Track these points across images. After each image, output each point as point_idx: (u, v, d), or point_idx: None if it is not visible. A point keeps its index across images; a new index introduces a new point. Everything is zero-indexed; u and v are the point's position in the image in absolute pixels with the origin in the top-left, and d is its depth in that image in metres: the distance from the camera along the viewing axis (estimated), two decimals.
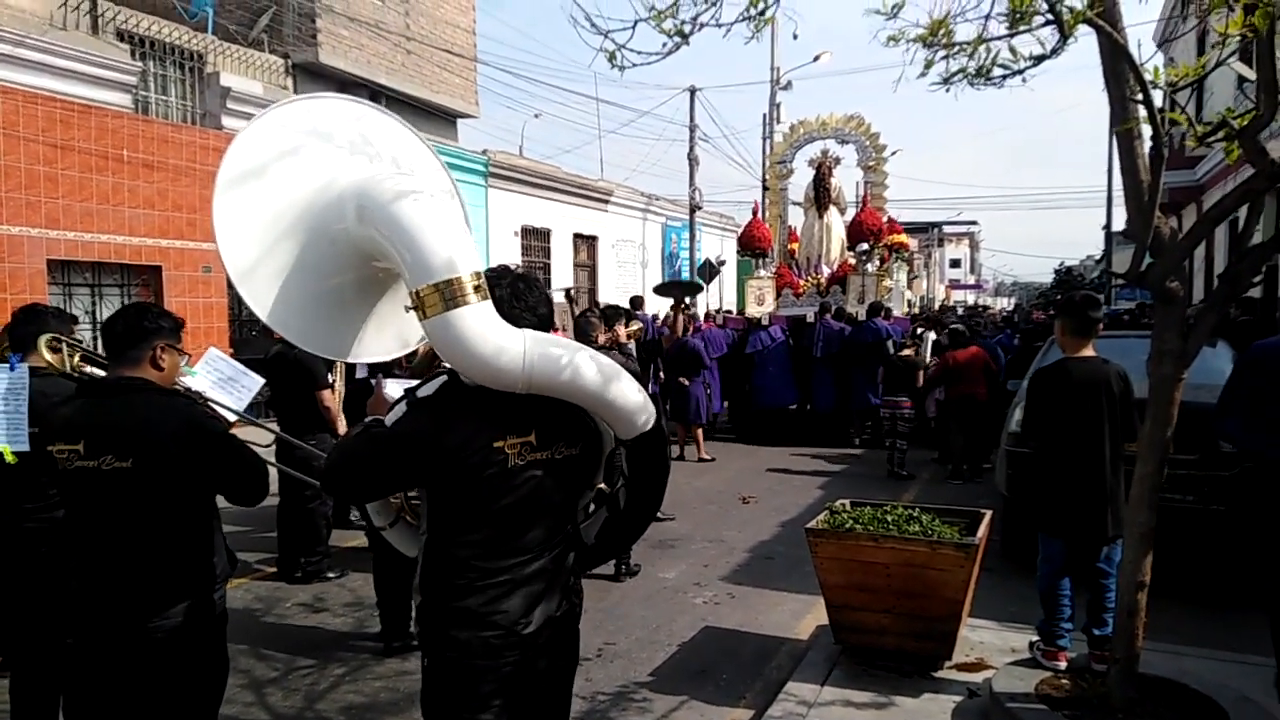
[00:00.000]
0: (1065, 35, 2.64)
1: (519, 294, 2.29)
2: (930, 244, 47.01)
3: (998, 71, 2.98)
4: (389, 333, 2.93)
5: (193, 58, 12.82)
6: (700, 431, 10.85)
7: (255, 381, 3.16)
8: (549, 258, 20.54)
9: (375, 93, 15.93)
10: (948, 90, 3.45)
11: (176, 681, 2.56)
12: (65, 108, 10.54)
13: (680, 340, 10.85)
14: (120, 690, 2.57)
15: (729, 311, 17.81)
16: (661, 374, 10.93)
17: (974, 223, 60.62)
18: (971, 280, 62.24)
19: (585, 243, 22.61)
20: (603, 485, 2.47)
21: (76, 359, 3.01)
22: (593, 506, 2.51)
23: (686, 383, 10.54)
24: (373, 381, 5.23)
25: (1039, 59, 2.77)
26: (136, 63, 11.72)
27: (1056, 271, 45.54)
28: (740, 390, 12.71)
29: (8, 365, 3.18)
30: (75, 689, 3.15)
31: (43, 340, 3.05)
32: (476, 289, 2.16)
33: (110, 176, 11.03)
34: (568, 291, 8.66)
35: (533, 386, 2.16)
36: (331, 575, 6.07)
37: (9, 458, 3.08)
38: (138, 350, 2.61)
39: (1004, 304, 53.49)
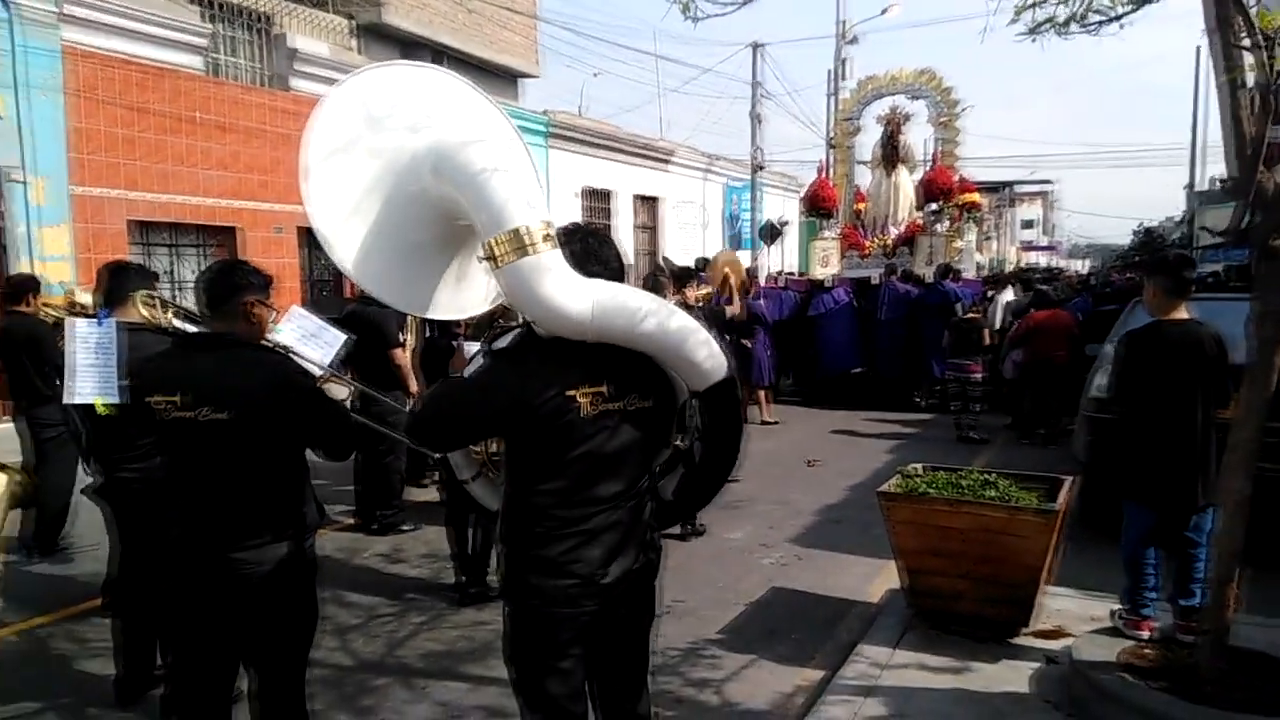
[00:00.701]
0: None
1: (590, 249, 2.31)
2: (1002, 204, 45.69)
3: (1094, 18, 2.83)
4: (470, 290, 2.96)
5: (261, 19, 12.99)
6: (764, 394, 10.78)
7: (338, 337, 3.22)
8: (610, 219, 20.49)
9: (437, 52, 15.98)
10: (1033, 40, 3.31)
11: (271, 625, 2.66)
12: (141, 71, 10.80)
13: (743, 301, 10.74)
14: (217, 633, 2.67)
15: (792, 273, 17.56)
16: (726, 336, 10.83)
17: (1049, 182, 58.54)
18: (1045, 242, 60.30)
19: (646, 204, 22.49)
20: (679, 442, 2.46)
21: (170, 314, 3.10)
22: (670, 463, 2.50)
23: (749, 344, 10.45)
24: (454, 343, 5.30)
25: (1141, 2, 2.62)
26: (207, 25, 11.91)
27: (1135, 232, 43.86)
28: (803, 353, 12.57)
29: (96, 320, 3.29)
30: (173, 632, 3.30)
31: (139, 295, 3.14)
32: (546, 238, 2.21)
33: (185, 138, 11.31)
34: (664, 260, 8.58)
35: (602, 335, 2.18)
36: (407, 528, 6.23)
37: (101, 410, 3.19)
38: (229, 305, 2.67)
39: (1079, 266, 51.79)
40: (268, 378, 2.60)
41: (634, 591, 2.31)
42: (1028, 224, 59.86)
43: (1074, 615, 4.37)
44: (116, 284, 3.59)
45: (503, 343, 2.37)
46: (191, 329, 3.31)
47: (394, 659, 4.25)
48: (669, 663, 4.15)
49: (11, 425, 6.05)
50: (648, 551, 2.34)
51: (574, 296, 2.16)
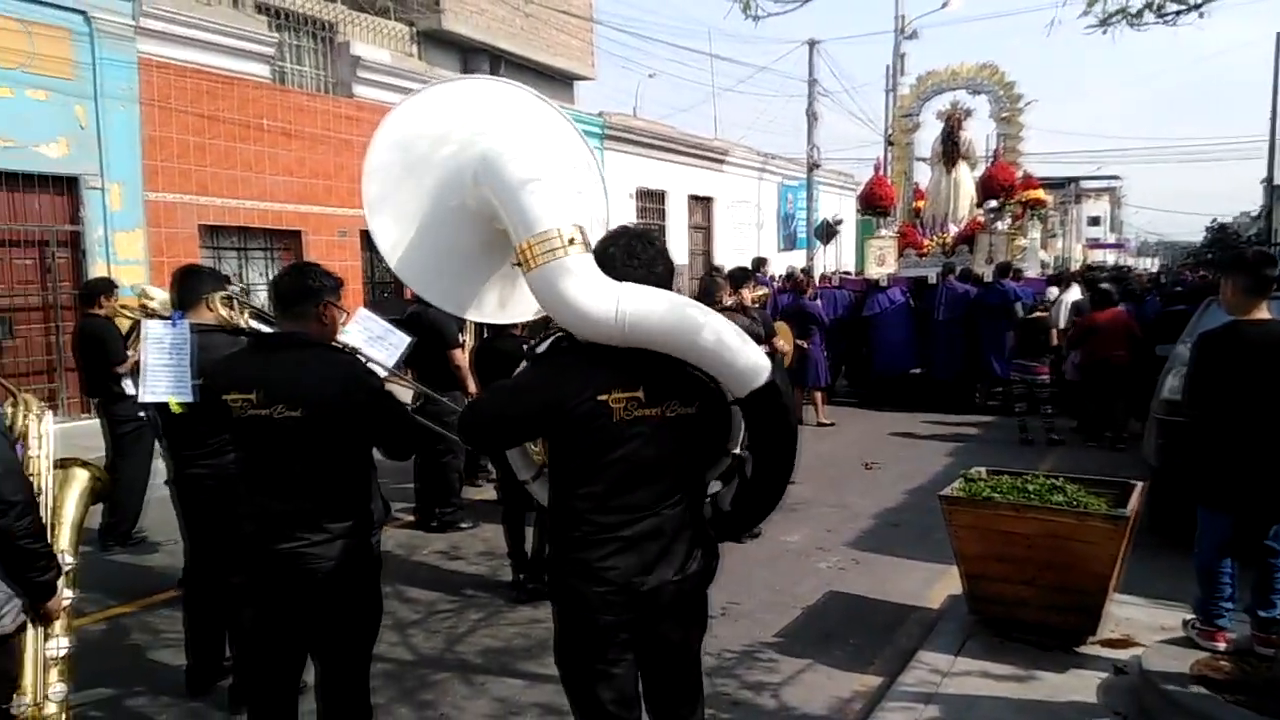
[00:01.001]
0: None
1: (633, 251, 2.29)
2: (1067, 200, 44.49)
3: (1171, 7, 2.74)
4: (520, 296, 3.00)
5: (325, 27, 13.30)
6: (820, 395, 10.66)
7: (403, 339, 3.30)
8: (664, 220, 20.50)
9: (495, 57, 16.17)
10: (1104, 33, 3.21)
11: (337, 618, 2.71)
12: (211, 80, 11.15)
13: (799, 301, 10.64)
14: (286, 626, 2.74)
15: (847, 272, 17.33)
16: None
17: (1116, 177, 56.85)
18: (1112, 239, 58.52)
19: (700, 204, 22.44)
20: (737, 451, 2.40)
21: (246, 314, 3.20)
22: (729, 473, 2.45)
23: (805, 345, 10.34)
24: (501, 344, 5.38)
25: None
26: (274, 34, 12.24)
27: (1208, 229, 42.34)
28: (858, 354, 12.38)
29: (170, 322, 3.40)
30: (244, 624, 3.39)
31: (218, 297, 3.25)
32: (572, 241, 2.23)
33: (253, 145, 11.64)
34: (716, 270, 8.50)
35: (629, 339, 2.16)
36: (465, 525, 6.32)
37: (175, 408, 3.30)
38: (303, 307, 2.75)
39: (1147, 264, 50.13)
40: (339, 378, 2.67)
41: (680, 601, 2.26)
42: (1094, 221, 58.18)
43: (1143, 624, 4.24)
44: (190, 287, 3.70)
45: (542, 346, 2.40)
46: (266, 329, 3.41)
47: (453, 654, 4.31)
48: (724, 665, 4.14)
49: (90, 420, 6.29)
50: (697, 561, 2.29)
51: (600, 300, 2.16)
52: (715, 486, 2.46)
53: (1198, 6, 2.80)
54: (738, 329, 2.25)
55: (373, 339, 3.24)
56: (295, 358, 2.69)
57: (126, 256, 10.24)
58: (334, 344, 2.87)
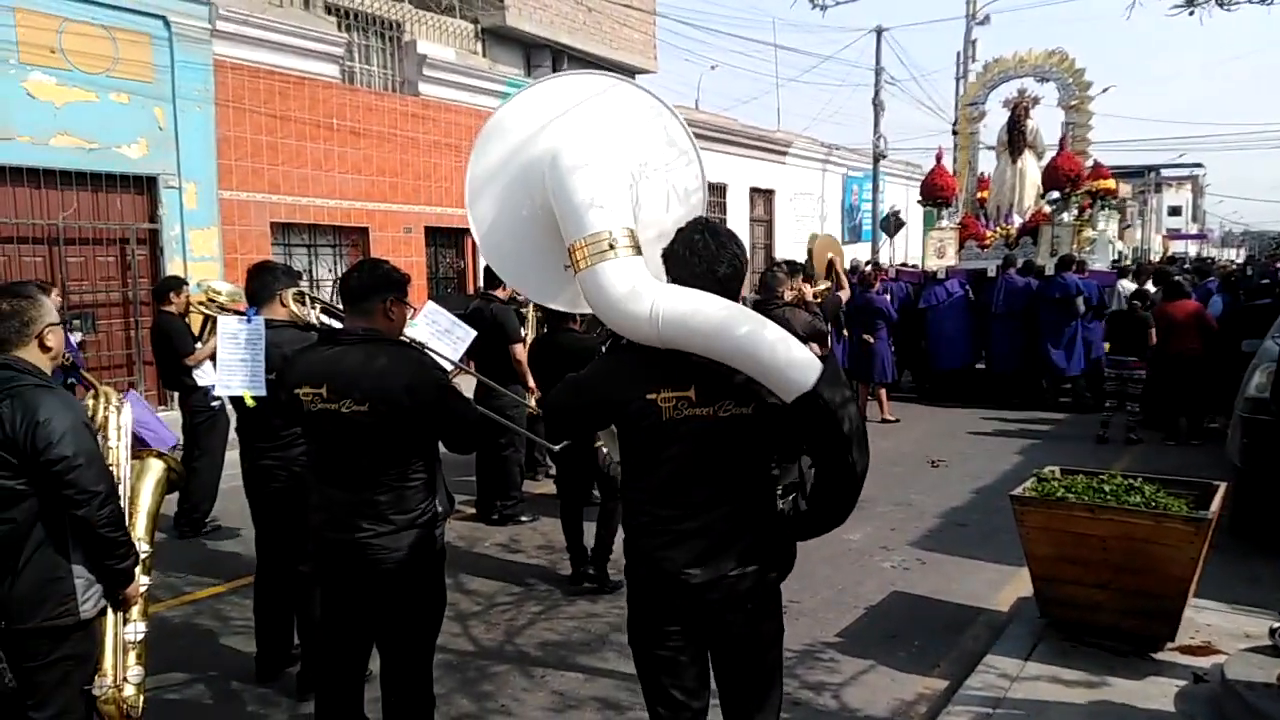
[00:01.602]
0: None
1: (694, 249, 2.27)
2: (1146, 190, 42.82)
3: None
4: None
5: (392, 26, 13.51)
6: (884, 391, 10.47)
7: (469, 333, 3.33)
8: (725, 213, 20.37)
9: (558, 53, 16.25)
10: (1191, 13, 3.07)
11: (401, 609, 2.76)
12: (282, 80, 11.43)
13: (866, 295, 10.45)
14: (352, 615, 2.80)
15: (905, 264, 16.94)
16: (845, 331, 10.56)
17: (1198, 165, 54.49)
18: (1194, 229, 56.22)
19: (761, 197, 22.24)
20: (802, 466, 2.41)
21: (318, 310, 3.26)
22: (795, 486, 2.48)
23: (870, 340, 10.16)
24: (558, 337, 5.40)
25: None
26: (342, 34, 12.49)
27: None
28: (916, 347, 12.11)
29: (245, 318, 3.49)
30: (310, 612, 3.48)
31: (290, 293, 3.32)
32: (613, 245, 2.27)
33: (322, 144, 11.91)
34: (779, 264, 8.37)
35: (665, 340, 2.17)
36: (525, 519, 6.37)
37: (249, 402, 3.39)
38: (370, 303, 2.80)
39: (1231, 255, 48.02)
40: (404, 373, 2.71)
41: (734, 598, 2.23)
42: (1174, 211, 55.94)
43: (1224, 631, 4.06)
44: (262, 283, 3.78)
45: (610, 342, 2.52)
46: (336, 325, 3.47)
47: (512, 646, 4.35)
48: (785, 664, 4.04)
49: (168, 412, 6.55)
50: (755, 560, 2.24)
51: (636, 302, 2.19)
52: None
53: None
54: (784, 334, 2.16)
55: (439, 333, 3.29)
56: (362, 353, 2.73)
57: (202, 254, 10.58)
58: (400, 339, 2.91)
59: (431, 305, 3.51)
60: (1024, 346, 11.18)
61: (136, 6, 9.79)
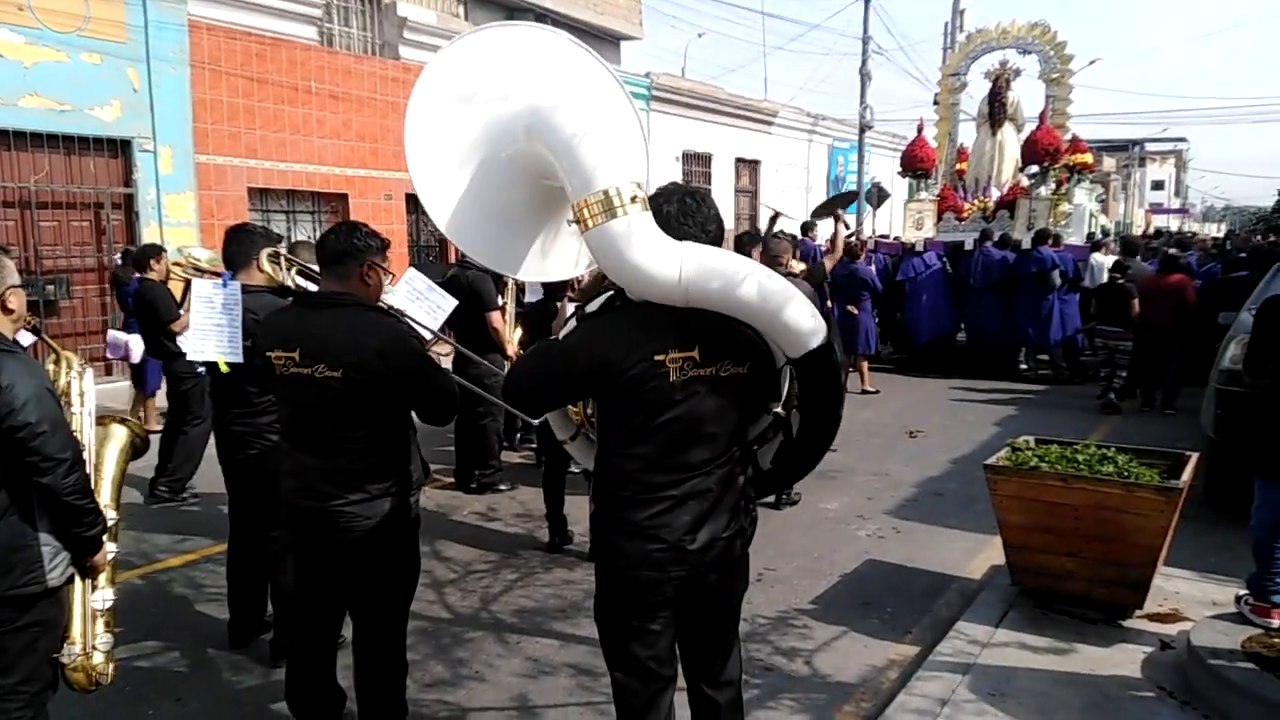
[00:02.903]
0: None
1: (688, 210, 2.26)
2: (1130, 164, 42.92)
3: None
4: (560, 253, 2.95)
5: None
6: (865, 363, 10.50)
7: (449, 302, 3.29)
8: (710, 183, 20.24)
9: (540, 16, 15.99)
10: None
11: (375, 576, 2.74)
12: (259, 42, 11.20)
13: (851, 266, 10.44)
14: (325, 581, 2.78)
15: (884, 236, 16.89)
16: (829, 302, 10.56)
17: (1182, 139, 54.63)
18: (1176, 204, 56.47)
19: (747, 167, 22.09)
20: (779, 410, 2.38)
21: (293, 272, 3.20)
22: (771, 431, 2.43)
23: (855, 311, 10.17)
24: (556, 304, 5.35)
25: None
26: None
27: None
28: (893, 319, 12.16)
29: (221, 282, 3.43)
30: (282, 580, 3.46)
31: (264, 253, 3.25)
32: (634, 199, 2.17)
33: (300, 108, 11.70)
34: (775, 215, 8.38)
35: (691, 299, 2.13)
36: (503, 488, 6.37)
37: (223, 368, 3.34)
38: (347, 267, 2.74)
39: (1212, 230, 48.30)
40: (378, 340, 2.65)
41: (724, 558, 2.27)
42: (1158, 185, 56.12)
43: (1191, 599, 4.12)
44: (240, 247, 3.70)
45: (593, 306, 2.39)
46: (313, 288, 3.41)
47: (488, 614, 4.36)
48: (758, 630, 4.12)
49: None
50: (740, 519, 2.30)
51: (663, 260, 2.12)
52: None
53: None
54: (798, 292, 2.22)
55: (418, 300, 3.24)
56: (336, 317, 2.68)
57: (178, 219, 10.41)
58: (378, 305, 2.85)
59: (412, 272, 3.46)
60: (1001, 319, 11.27)
61: None
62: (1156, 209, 49.44)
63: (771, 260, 5.59)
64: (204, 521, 5.74)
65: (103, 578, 2.70)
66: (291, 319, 2.78)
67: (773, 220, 8.12)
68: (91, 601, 2.69)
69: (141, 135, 10.03)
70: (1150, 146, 48.57)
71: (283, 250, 3.70)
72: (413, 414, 2.85)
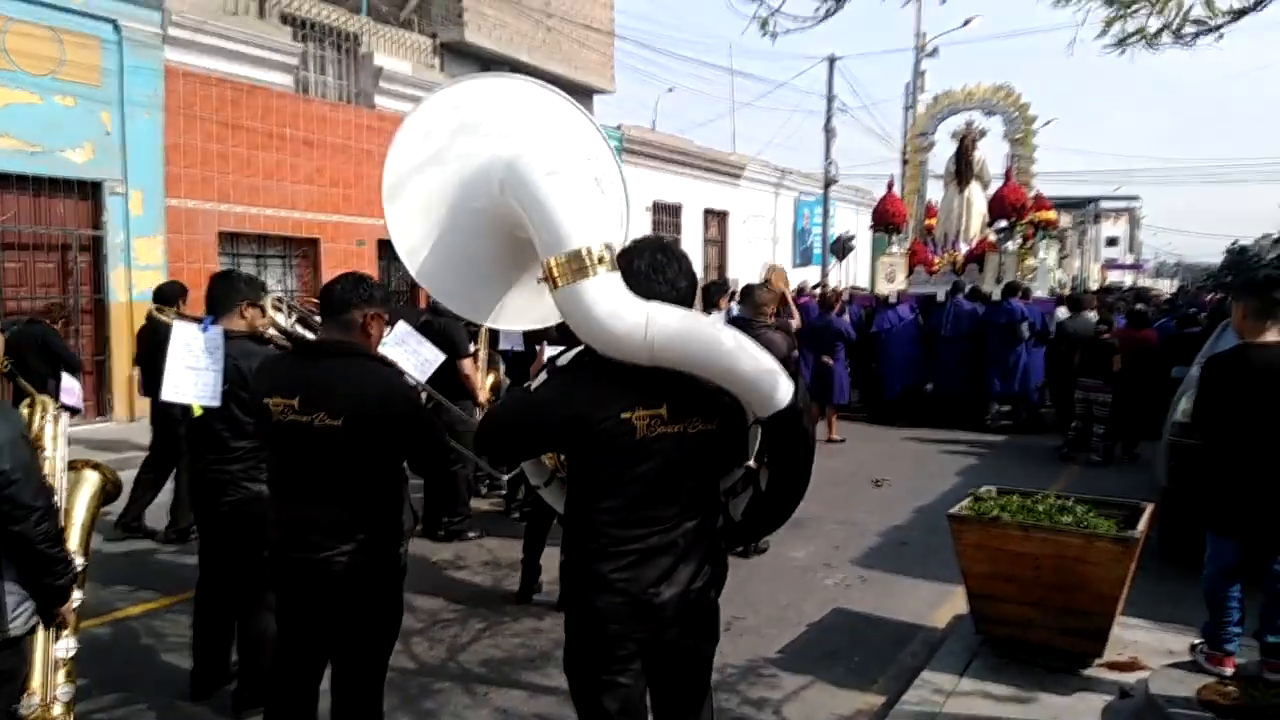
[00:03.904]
0: None
1: (659, 266, 2.28)
2: (1085, 220, 44.20)
3: (1190, 29, 2.75)
4: (535, 303, 3.00)
5: (348, 38, 13.45)
6: (834, 412, 10.64)
7: (438, 356, 3.34)
8: (679, 233, 20.54)
9: (515, 70, 16.27)
10: (1122, 53, 3.22)
11: (361, 626, 2.73)
12: (235, 88, 11.31)
13: (826, 318, 10.65)
14: (312, 634, 2.77)
15: (857, 288, 17.28)
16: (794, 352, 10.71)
17: (1135, 198, 56.39)
18: (1130, 260, 58.14)
19: (715, 218, 22.48)
20: (750, 463, 2.41)
21: (294, 319, 3.22)
22: (742, 484, 2.47)
23: (829, 361, 10.35)
24: (536, 347, 5.39)
25: (1239, 13, 2.53)
26: (298, 44, 12.39)
27: (1228, 251, 41.97)
28: (867, 369, 12.40)
29: (201, 325, 3.43)
30: (252, 629, 3.42)
31: (268, 300, 3.27)
32: (601, 260, 2.20)
33: (274, 153, 11.78)
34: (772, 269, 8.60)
35: (656, 359, 2.16)
36: (471, 535, 6.33)
37: (197, 411, 3.34)
38: (350, 316, 2.75)
39: (1165, 285, 49.74)
40: (380, 390, 2.68)
41: (692, 612, 2.28)
42: (1112, 241, 57.77)
43: (1149, 647, 4.20)
44: (224, 292, 3.69)
45: (565, 359, 2.45)
46: (310, 335, 3.43)
47: (455, 664, 4.32)
48: (727, 680, 4.13)
49: (102, 424, 6.47)
50: (709, 572, 2.31)
51: (629, 322, 2.14)
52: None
53: (1216, 29, 2.80)
54: (764, 350, 2.25)
55: (407, 352, 3.29)
56: (338, 366, 2.69)
57: (146, 262, 10.37)
58: (379, 356, 2.88)
59: (403, 325, 3.50)
60: (970, 369, 11.56)
61: (85, 9, 9.63)
62: (1111, 264, 50.84)
63: (755, 309, 5.68)
64: (164, 569, 5.64)
65: (66, 627, 2.67)
66: (291, 366, 2.79)
67: (768, 277, 8.28)
68: (54, 651, 2.65)
69: (112, 178, 10.03)
70: (1104, 204, 50.11)
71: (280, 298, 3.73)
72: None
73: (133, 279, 10.13)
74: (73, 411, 7.12)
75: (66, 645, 2.66)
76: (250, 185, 11.51)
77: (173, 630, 4.59)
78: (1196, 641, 3.96)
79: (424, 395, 3.23)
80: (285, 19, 12.47)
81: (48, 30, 9.35)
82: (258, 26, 11.88)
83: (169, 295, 6.34)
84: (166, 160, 10.56)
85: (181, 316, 4.07)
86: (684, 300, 2.29)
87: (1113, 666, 4.04)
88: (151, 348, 6.04)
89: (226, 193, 11.26)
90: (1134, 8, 2.59)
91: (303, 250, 12.46)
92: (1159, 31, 2.86)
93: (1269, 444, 3.68)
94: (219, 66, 11.21)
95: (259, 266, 11.96)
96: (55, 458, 2.67)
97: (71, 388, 7.54)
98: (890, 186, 14.55)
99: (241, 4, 11.97)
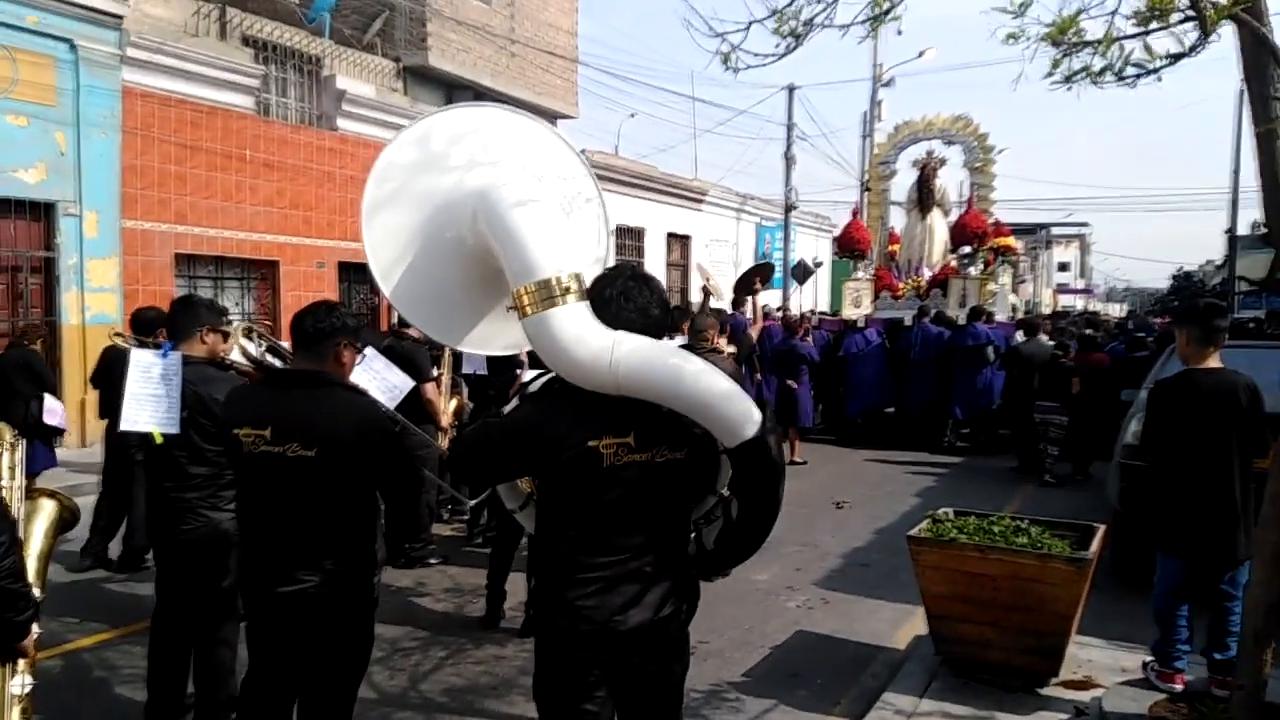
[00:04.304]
0: (1207, 33, 2.53)
1: (629, 294, 2.30)
2: (1037, 246, 45.32)
3: (1130, 71, 2.87)
4: (506, 330, 3.02)
5: (311, 61, 13.41)
6: (797, 436, 10.74)
7: (406, 383, 3.33)
8: (642, 257, 20.66)
9: (480, 95, 16.34)
10: (1069, 89, 3.34)
11: (333, 657, 2.69)
12: (194, 110, 11.20)
13: (790, 342, 10.78)
14: (283, 664, 2.73)
15: (825, 313, 17.55)
16: (758, 375, 10.83)
17: (1085, 224, 58.06)
18: (1081, 285, 59.70)
19: (678, 242, 22.66)
20: (724, 491, 2.41)
21: (265, 347, 3.18)
22: (717, 512, 2.46)
23: (794, 385, 10.46)
24: (517, 371, 5.38)
25: (1176, 57, 2.66)
26: (259, 66, 12.33)
27: (1174, 277, 43.32)
28: (834, 393, 12.56)
29: (161, 352, 3.40)
30: (211, 660, 3.36)
31: (239, 329, 3.23)
32: (568, 291, 2.23)
33: (233, 175, 11.66)
34: (706, 292, 8.74)
35: (622, 388, 2.17)
36: (433, 562, 6.28)
37: (157, 439, 3.30)
38: (325, 346, 2.72)
39: (1115, 310, 51.09)
40: (358, 420, 2.65)
41: (659, 640, 2.27)
42: (1063, 266, 59.37)
43: (1103, 666, 4.30)
44: (184, 318, 3.64)
45: (535, 385, 2.44)
46: (279, 364, 3.38)
47: (416, 692, 4.27)
48: (691, 704, 4.13)
49: (62, 450, 6.35)
50: (678, 600, 2.30)
51: (595, 351, 2.16)
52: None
53: (1154, 71, 2.93)
54: (731, 381, 2.26)
55: (376, 379, 3.27)
56: (311, 396, 2.66)
57: (100, 284, 10.18)
58: (352, 385, 2.86)
59: (372, 352, 3.48)
60: (938, 391, 11.81)
61: (40, 29, 9.49)
62: (1063, 289, 52.20)
63: (696, 335, 5.74)
64: (114, 599, 5.51)
65: (22, 661, 2.60)
66: (261, 397, 2.75)
67: (705, 297, 8.37)
68: (9, 688, 2.58)
69: (66, 199, 9.86)
70: (1056, 230, 51.46)
71: (241, 325, 3.69)
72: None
73: (86, 301, 9.93)
74: (58, 432, 6.99)
75: (23, 681, 2.59)
76: (209, 207, 11.38)
77: (125, 662, 4.48)
78: (1148, 659, 4.07)
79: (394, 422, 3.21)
80: (247, 41, 12.41)
81: (1, 49, 9.19)
82: (219, 48, 11.81)
83: (147, 323, 6.23)
84: (123, 181, 10.41)
85: (141, 342, 4.00)
86: (656, 326, 2.31)
87: (1068, 685, 4.12)
88: (111, 371, 5.96)
89: (184, 214, 11.12)
90: (1078, 49, 2.70)
91: (261, 272, 12.32)
92: (1103, 70, 2.98)
93: (1214, 466, 3.81)
94: (179, 88, 11.10)
95: (216, 289, 11.80)
96: (13, 487, 2.61)
97: (55, 409, 7.34)
98: (855, 214, 14.85)
99: (203, 26, 11.90)
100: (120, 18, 10.25)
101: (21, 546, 2.41)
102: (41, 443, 6.70)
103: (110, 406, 6.11)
